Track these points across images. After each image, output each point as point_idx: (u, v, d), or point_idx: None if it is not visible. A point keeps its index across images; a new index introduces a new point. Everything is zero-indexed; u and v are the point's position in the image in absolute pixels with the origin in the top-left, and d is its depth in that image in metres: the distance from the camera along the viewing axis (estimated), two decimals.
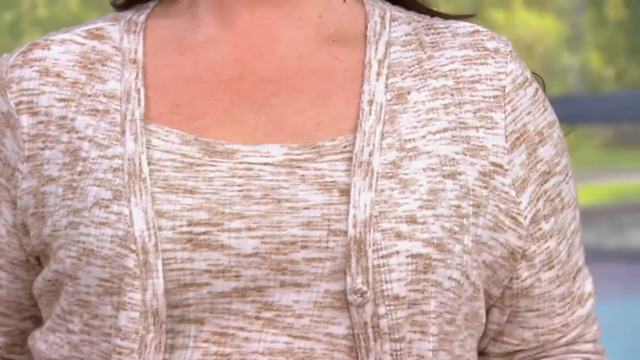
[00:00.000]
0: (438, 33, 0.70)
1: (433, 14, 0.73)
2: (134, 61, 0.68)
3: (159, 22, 0.71)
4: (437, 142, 0.65)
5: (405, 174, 0.63)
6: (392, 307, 0.60)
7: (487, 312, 0.70)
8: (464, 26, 0.71)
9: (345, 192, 0.61)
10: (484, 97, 0.67)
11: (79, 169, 0.65)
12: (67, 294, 0.65)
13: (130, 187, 0.62)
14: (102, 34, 0.71)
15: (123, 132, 0.65)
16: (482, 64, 0.68)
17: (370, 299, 0.60)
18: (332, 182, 0.61)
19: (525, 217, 0.67)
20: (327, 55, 0.68)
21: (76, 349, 0.65)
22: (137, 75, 0.68)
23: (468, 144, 0.65)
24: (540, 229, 0.69)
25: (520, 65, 0.70)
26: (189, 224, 0.61)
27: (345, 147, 0.63)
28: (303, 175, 0.61)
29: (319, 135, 0.64)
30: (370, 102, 0.65)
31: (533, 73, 0.73)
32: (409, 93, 0.66)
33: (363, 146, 0.63)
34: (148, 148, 0.65)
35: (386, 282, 0.60)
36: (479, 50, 0.69)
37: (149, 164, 0.64)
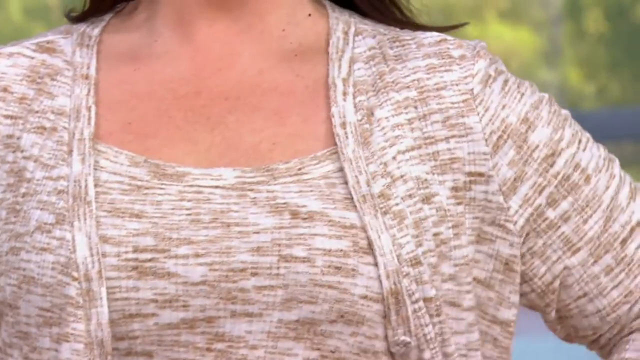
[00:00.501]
0: (403, 45, 0.71)
1: (403, 25, 0.74)
2: (86, 77, 0.68)
3: (115, 36, 0.72)
4: (407, 162, 0.66)
5: (397, 204, 0.64)
6: (435, 350, 0.62)
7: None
8: (431, 36, 0.72)
9: (297, 214, 0.62)
10: (452, 103, 0.67)
11: (22, 190, 0.65)
12: (8, 325, 0.64)
13: (74, 210, 0.62)
14: (53, 47, 0.72)
15: (70, 152, 0.65)
16: (446, 71, 0.69)
17: (414, 346, 0.61)
18: (284, 204, 0.62)
19: (516, 223, 0.68)
20: (289, 72, 0.68)
21: None
22: (89, 91, 0.68)
23: (435, 160, 0.66)
24: (545, 220, 0.69)
25: (486, 61, 0.69)
26: (135, 250, 0.61)
27: (299, 169, 0.64)
28: (255, 198, 0.62)
29: (274, 156, 0.64)
30: (344, 125, 0.65)
31: None
32: (373, 112, 0.67)
33: (356, 175, 0.64)
34: (95, 169, 0.65)
35: (423, 326, 0.61)
36: (443, 59, 0.69)
37: (95, 186, 0.64)
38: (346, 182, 0.63)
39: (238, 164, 0.64)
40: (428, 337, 0.61)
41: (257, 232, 0.61)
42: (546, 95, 0.70)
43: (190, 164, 0.64)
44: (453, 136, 0.67)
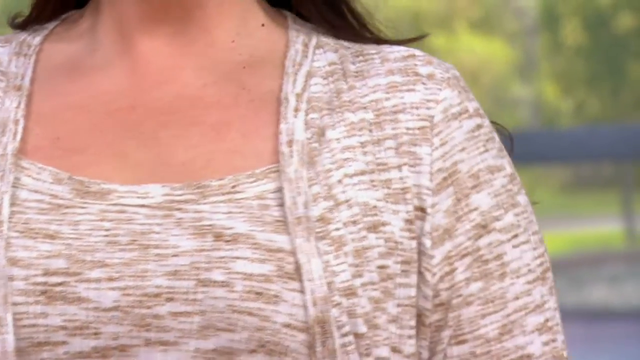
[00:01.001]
0: (366, 60, 0.69)
1: (368, 39, 0.72)
2: (19, 88, 0.67)
3: (56, 45, 0.70)
4: (355, 187, 0.63)
5: (337, 229, 0.62)
6: None
7: None
8: (398, 51, 0.69)
9: (220, 236, 0.60)
10: (407, 129, 0.64)
11: None
12: None
13: None
14: None
15: None
16: (408, 90, 0.66)
17: None
18: (209, 225, 0.60)
19: (434, 275, 0.64)
20: (234, 85, 0.67)
21: None
22: (19, 104, 0.66)
23: (389, 188, 0.63)
24: (453, 289, 0.66)
25: (460, 94, 0.67)
26: (45, 274, 0.59)
27: (233, 187, 0.62)
28: (180, 218, 0.60)
29: (208, 173, 0.63)
30: (290, 143, 0.64)
31: (494, 123, 0.71)
32: (324, 132, 0.66)
33: (294, 197, 0.62)
34: (16, 187, 0.63)
35: None
36: (407, 76, 0.67)
37: (13, 204, 0.62)
38: (282, 204, 0.62)
39: (168, 180, 0.63)
40: None
41: (176, 255, 0.59)
42: (511, 171, 0.67)
43: (118, 180, 0.63)
44: (405, 164, 0.65)
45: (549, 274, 0.67)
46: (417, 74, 0.69)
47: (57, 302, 0.59)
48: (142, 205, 0.61)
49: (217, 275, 0.59)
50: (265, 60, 0.70)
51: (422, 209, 0.65)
